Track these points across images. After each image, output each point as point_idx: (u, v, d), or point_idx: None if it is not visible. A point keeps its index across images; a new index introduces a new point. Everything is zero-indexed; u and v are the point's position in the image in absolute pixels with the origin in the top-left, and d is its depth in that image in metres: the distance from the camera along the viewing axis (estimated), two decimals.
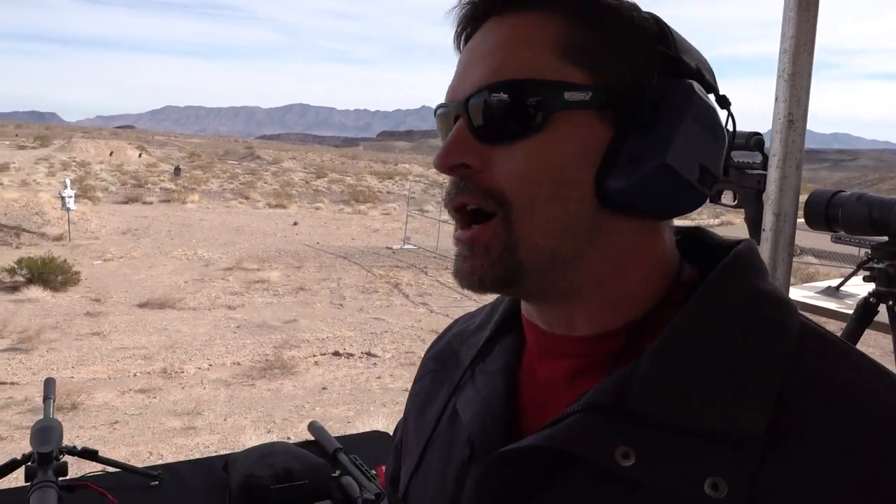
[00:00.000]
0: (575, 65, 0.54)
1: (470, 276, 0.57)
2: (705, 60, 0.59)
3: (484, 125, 0.56)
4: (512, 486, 0.56)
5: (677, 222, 0.63)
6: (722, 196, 1.49)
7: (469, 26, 0.60)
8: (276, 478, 1.40)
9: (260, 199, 25.72)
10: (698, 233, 0.64)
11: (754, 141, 1.38)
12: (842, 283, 2.57)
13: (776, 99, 1.18)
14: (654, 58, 0.56)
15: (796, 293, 2.47)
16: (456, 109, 0.58)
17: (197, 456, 5.11)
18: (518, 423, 0.61)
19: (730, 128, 0.60)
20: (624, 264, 0.57)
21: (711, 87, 0.58)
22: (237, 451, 1.59)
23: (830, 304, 2.41)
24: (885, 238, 1.48)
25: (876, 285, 1.50)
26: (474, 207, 0.57)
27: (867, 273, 1.52)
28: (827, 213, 1.44)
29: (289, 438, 5.50)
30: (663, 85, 0.55)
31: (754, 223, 1.41)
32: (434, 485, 0.66)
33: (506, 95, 0.55)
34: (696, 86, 0.56)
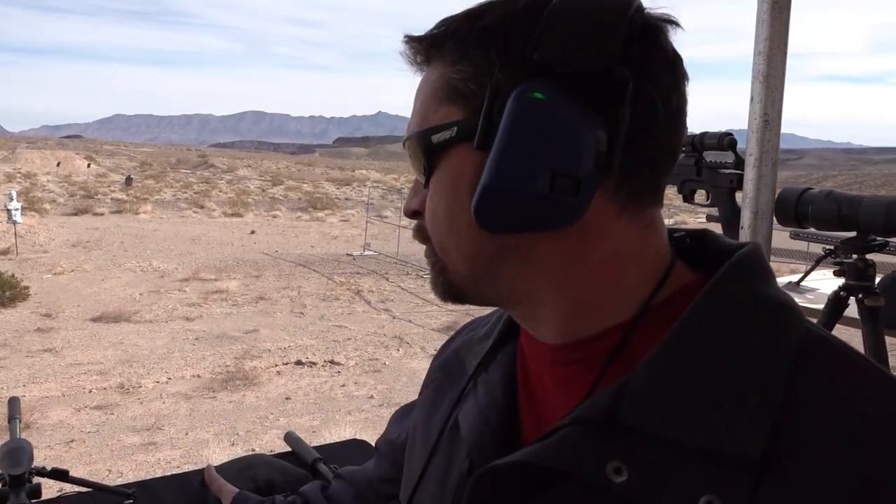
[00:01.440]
0: (452, 103, 0.56)
1: (434, 287, 0.61)
2: (598, 32, 0.50)
3: (416, 171, 0.60)
4: (502, 501, 0.55)
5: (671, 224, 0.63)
6: (695, 195, 1.52)
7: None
8: (257, 490, 1.36)
9: (215, 207, 25.29)
10: (704, 235, 0.62)
11: (727, 141, 1.41)
12: (802, 278, 2.65)
13: (751, 99, 1.21)
14: (502, 68, 0.53)
15: None
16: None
17: (159, 472, 4.99)
18: (517, 435, 0.61)
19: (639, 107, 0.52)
20: (563, 274, 0.55)
21: (597, 69, 0.50)
22: (214, 464, 1.55)
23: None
24: (849, 234, 1.53)
25: (845, 279, 1.55)
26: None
27: (837, 268, 1.57)
28: (797, 210, 1.48)
29: (253, 450, 5.41)
30: (501, 97, 0.52)
31: (728, 221, 1.44)
32: (433, 498, 0.65)
33: (409, 147, 0.60)
34: (531, 86, 0.51)
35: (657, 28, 0.53)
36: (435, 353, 0.82)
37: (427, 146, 0.57)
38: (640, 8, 0.53)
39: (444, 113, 0.56)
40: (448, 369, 0.73)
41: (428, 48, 0.59)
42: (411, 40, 0.60)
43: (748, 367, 0.49)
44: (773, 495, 0.46)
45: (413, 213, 0.62)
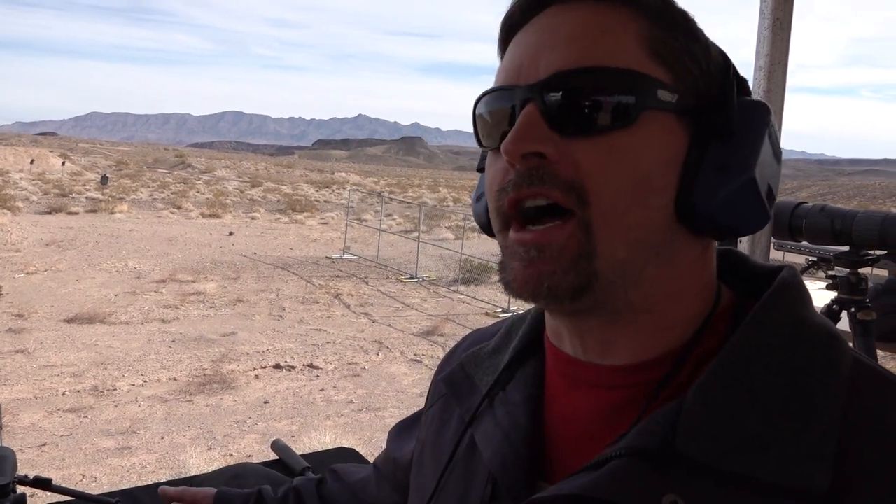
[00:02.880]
0: (660, 64, 0.51)
1: (538, 283, 0.51)
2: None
3: (564, 114, 0.50)
4: None
5: None
6: None
7: (526, 12, 0.55)
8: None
9: (193, 208, 25.02)
10: (733, 255, 0.62)
11: None
12: None
13: None
14: (727, 73, 0.54)
15: None
16: (526, 94, 0.52)
17: (134, 477, 4.91)
18: (544, 462, 0.58)
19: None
20: (680, 286, 0.54)
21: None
22: (202, 473, 1.52)
23: None
24: (841, 248, 1.55)
25: (838, 293, 1.57)
26: (546, 203, 0.51)
27: (830, 281, 1.59)
28: (791, 223, 1.49)
29: (231, 455, 5.35)
30: (740, 101, 0.54)
31: None
32: None
33: (594, 83, 0.50)
34: (768, 107, 0.56)
35: None
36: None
37: (645, 98, 0.50)
38: None
39: (657, 72, 0.51)
40: (454, 385, 0.68)
41: None
42: None
43: (805, 396, 0.48)
44: None
45: (527, 156, 0.51)
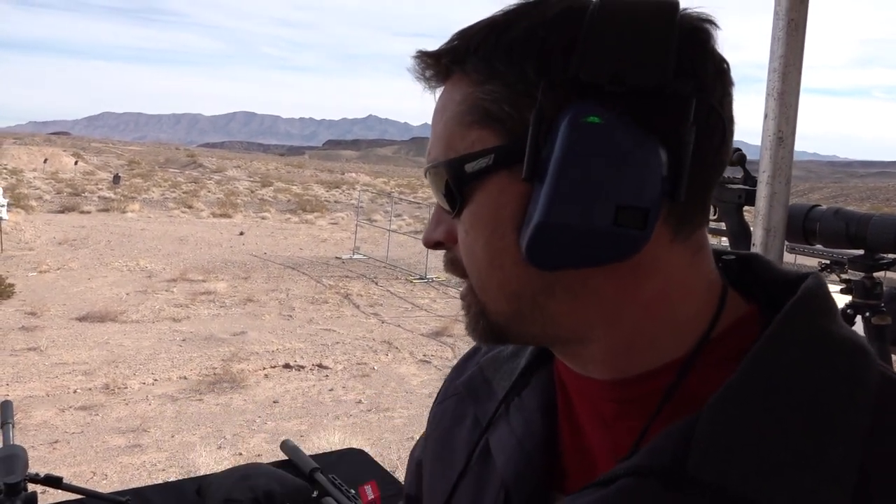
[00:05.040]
0: (482, 127, 0.50)
1: (469, 332, 0.57)
2: (647, 49, 0.46)
3: (441, 201, 0.55)
4: None
5: None
6: None
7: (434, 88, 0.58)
8: (256, 501, 1.34)
9: (204, 208, 25.13)
10: (754, 260, 0.59)
11: (736, 156, 1.41)
12: None
13: (765, 116, 1.20)
14: (545, 88, 0.48)
15: None
16: None
17: (145, 475, 4.93)
18: (557, 472, 0.57)
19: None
20: (615, 308, 0.51)
21: (651, 88, 0.46)
22: (212, 473, 1.53)
23: None
24: (856, 252, 1.53)
25: (852, 297, 1.55)
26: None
27: (844, 286, 1.57)
28: (805, 226, 1.48)
29: (240, 454, 5.36)
30: (548, 122, 0.47)
31: (735, 236, 1.44)
32: None
33: (433, 177, 0.54)
34: (583, 110, 0.46)
35: (705, 31, 0.49)
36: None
37: (458, 176, 0.51)
38: (682, 10, 0.48)
39: (475, 138, 0.51)
40: (473, 388, 0.67)
41: (448, 65, 0.53)
42: (425, 56, 0.54)
43: (827, 415, 0.46)
44: None
45: (435, 245, 0.57)
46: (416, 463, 0.77)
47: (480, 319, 0.55)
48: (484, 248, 0.52)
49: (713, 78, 0.49)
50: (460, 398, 0.70)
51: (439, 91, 0.56)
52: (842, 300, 1.61)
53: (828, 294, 0.53)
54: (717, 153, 0.50)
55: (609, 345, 0.52)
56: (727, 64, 0.51)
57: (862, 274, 1.52)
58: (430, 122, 0.57)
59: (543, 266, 0.49)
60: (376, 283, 12.73)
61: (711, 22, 0.49)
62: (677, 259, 0.51)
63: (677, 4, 0.47)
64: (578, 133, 0.46)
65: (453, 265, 0.56)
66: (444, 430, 0.70)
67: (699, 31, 0.49)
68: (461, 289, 0.57)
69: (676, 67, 0.46)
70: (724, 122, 0.50)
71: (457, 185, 0.52)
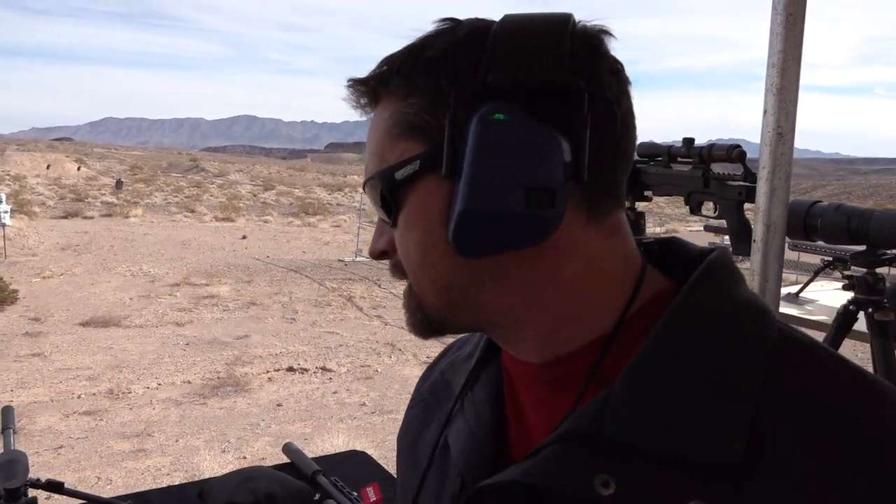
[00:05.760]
0: (408, 138, 0.56)
1: (410, 328, 0.62)
2: (541, 54, 0.52)
3: (379, 212, 0.61)
4: None
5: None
6: (702, 207, 1.51)
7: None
8: None
9: (206, 212, 25.18)
10: (672, 242, 0.64)
11: (736, 153, 1.40)
12: (801, 290, 2.64)
13: (765, 112, 1.20)
14: (456, 95, 0.53)
15: None
16: None
17: (149, 479, 4.93)
18: (507, 456, 0.61)
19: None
20: (540, 292, 0.56)
21: (546, 86, 0.52)
22: (214, 476, 1.53)
23: (791, 311, 2.47)
24: (858, 248, 1.53)
25: (855, 293, 1.55)
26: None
27: (846, 281, 1.56)
28: (806, 222, 1.47)
29: (244, 457, 5.36)
30: (460, 123, 0.53)
31: (736, 234, 1.43)
32: None
33: (371, 189, 0.59)
34: (491, 108, 0.52)
35: (597, 38, 0.56)
36: (428, 360, 0.82)
37: (391, 184, 0.57)
38: (577, 22, 0.55)
39: (402, 149, 0.57)
40: (435, 390, 0.73)
41: (375, 88, 0.59)
42: (356, 83, 0.60)
43: (724, 372, 0.50)
44: (756, 497, 0.47)
45: (380, 255, 0.62)
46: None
47: (419, 314, 0.60)
48: (417, 246, 0.57)
49: (608, 76, 0.55)
50: (426, 403, 0.74)
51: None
52: (844, 296, 1.60)
53: (731, 263, 0.58)
54: (619, 143, 0.56)
55: (538, 327, 0.57)
56: (621, 65, 0.57)
57: (864, 270, 1.51)
58: None
59: (469, 254, 0.54)
60: (379, 286, 12.73)
61: (605, 31, 0.56)
62: (593, 241, 0.56)
63: (569, 17, 0.55)
64: (486, 129, 0.52)
65: (396, 269, 0.61)
66: (412, 435, 0.74)
67: (592, 37, 0.55)
68: (405, 289, 0.62)
69: (571, 69, 0.52)
70: (621, 114, 0.55)
71: (390, 192, 0.57)
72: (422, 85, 0.56)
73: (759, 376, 0.50)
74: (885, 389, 0.51)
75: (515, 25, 0.54)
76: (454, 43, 0.55)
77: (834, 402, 0.49)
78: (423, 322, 0.60)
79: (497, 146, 0.52)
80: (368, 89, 0.60)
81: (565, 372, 0.57)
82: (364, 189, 0.61)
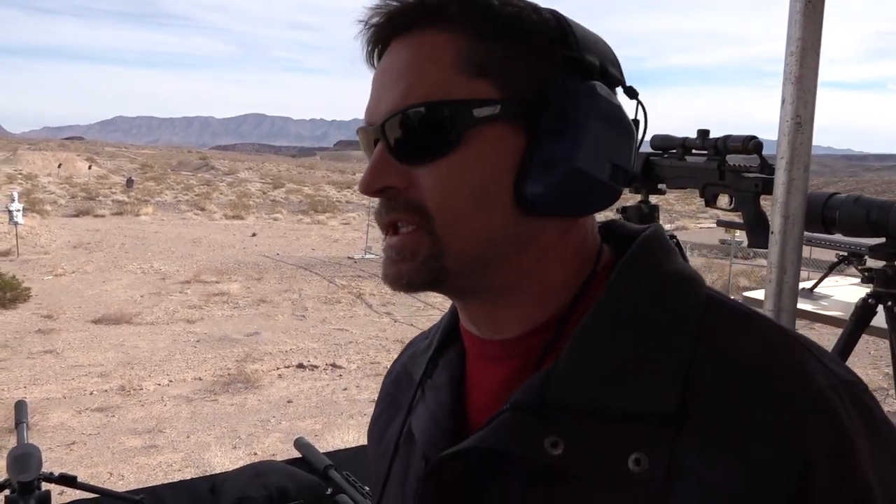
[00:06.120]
0: (480, 78, 0.56)
1: (398, 278, 0.59)
2: (609, 52, 0.61)
3: (402, 148, 0.58)
4: (454, 490, 0.58)
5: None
6: (718, 200, 1.49)
7: (377, 47, 0.62)
8: (269, 499, 1.33)
9: (216, 210, 25.28)
10: (613, 223, 0.67)
11: (752, 145, 1.38)
12: (815, 285, 2.62)
13: (783, 101, 1.18)
14: (555, 62, 0.57)
15: (761, 294, 2.51)
16: (374, 134, 0.59)
17: (160, 475, 4.95)
18: (468, 434, 0.61)
19: (640, 118, 0.63)
20: (546, 263, 0.59)
21: (617, 80, 0.61)
22: (223, 472, 1.52)
23: (806, 306, 2.45)
24: (878, 240, 1.50)
25: (874, 286, 1.52)
26: (403, 223, 0.59)
27: (865, 274, 1.54)
28: (824, 214, 1.45)
29: (255, 454, 5.38)
30: (567, 88, 0.57)
31: (752, 226, 1.41)
32: (396, 502, 0.68)
33: (418, 118, 0.56)
34: (600, 85, 0.57)
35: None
36: None
37: (465, 119, 0.55)
38: None
39: (474, 88, 0.56)
40: (399, 383, 0.75)
41: (433, 14, 0.58)
42: (410, 5, 0.58)
43: (657, 334, 0.55)
44: (688, 448, 0.50)
45: (381, 190, 0.59)
46: None
47: (431, 262, 0.57)
48: (474, 191, 0.56)
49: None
50: (392, 398, 0.76)
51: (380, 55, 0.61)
52: (859, 292, 1.57)
53: (663, 238, 0.62)
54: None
55: (528, 297, 0.60)
56: None
57: (883, 262, 1.49)
58: None
59: (537, 212, 0.57)
60: None
61: None
62: (589, 222, 0.62)
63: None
64: (597, 101, 0.56)
65: (398, 209, 0.58)
66: (380, 429, 0.76)
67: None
68: (391, 239, 0.59)
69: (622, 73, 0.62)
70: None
71: (457, 126, 0.56)
72: (510, 34, 0.57)
73: (690, 335, 0.54)
74: (807, 344, 0.55)
75: (574, 23, 0.60)
76: (537, 10, 0.59)
77: (760, 356, 0.53)
78: (431, 272, 0.58)
79: (606, 118, 0.57)
80: (418, 12, 0.58)
81: (531, 346, 0.60)
82: (405, 115, 0.57)
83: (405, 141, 0.57)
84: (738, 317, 0.57)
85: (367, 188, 0.59)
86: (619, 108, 0.58)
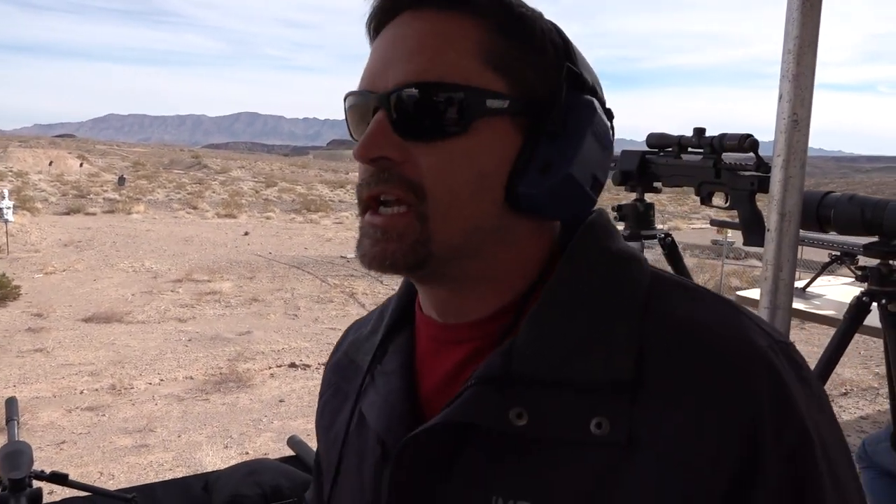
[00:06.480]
0: (495, 72, 0.58)
1: (381, 259, 0.60)
2: (596, 75, 0.66)
3: (407, 122, 0.58)
4: (424, 469, 0.60)
5: None
6: (713, 198, 1.49)
7: (384, 15, 0.62)
8: (263, 497, 1.33)
9: (209, 208, 25.17)
10: None
11: (748, 143, 1.38)
12: (808, 284, 2.63)
13: (780, 98, 1.18)
14: (562, 72, 0.60)
15: (755, 293, 2.51)
16: (377, 101, 0.59)
17: (152, 474, 4.93)
18: (422, 416, 0.64)
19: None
20: (518, 255, 0.62)
21: (602, 100, 0.64)
22: (217, 469, 1.51)
23: (799, 305, 2.45)
24: (870, 239, 1.50)
25: (868, 284, 1.53)
26: (391, 199, 0.59)
27: (859, 272, 1.54)
28: (819, 213, 1.45)
29: (247, 453, 5.35)
30: (570, 99, 0.60)
31: (748, 224, 1.41)
32: (353, 491, 0.68)
33: (432, 96, 0.57)
34: (596, 102, 0.62)
35: None
36: None
37: (476, 107, 0.57)
38: None
39: (490, 79, 0.58)
40: (342, 371, 0.76)
41: None
42: None
43: (609, 307, 0.58)
44: (646, 412, 0.54)
45: (377, 159, 0.59)
46: (316, 465, 0.86)
47: (416, 247, 0.59)
48: (472, 179, 0.58)
49: None
50: (335, 387, 0.77)
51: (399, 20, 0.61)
52: (852, 291, 1.58)
53: (607, 221, 0.66)
54: None
55: (497, 284, 0.63)
56: None
57: (878, 261, 1.49)
58: None
59: (524, 209, 0.59)
60: (381, 282, 12.70)
61: None
62: (552, 222, 0.66)
63: None
64: (596, 115, 0.61)
65: (400, 184, 0.58)
66: (327, 418, 0.77)
67: None
68: (374, 217, 0.60)
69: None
70: None
71: (468, 113, 0.57)
72: (527, 37, 0.59)
73: (639, 306, 0.58)
74: (744, 311, 0.60)
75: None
76: (549, 23, 0.62)
77: (705, 323, 0.57)
78: (417, 256, 0.59)
79: (599, 132, 0.61)
80: None
81: (491, 329, 0.62)
82: (405, 90, 0.57)
83: (412, 115, 0.57)
84: (682, 289, 0.61)
85: (364, 155, 0.59)
86: (608, 127, 0.63)
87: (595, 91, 0.63)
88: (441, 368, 0.65)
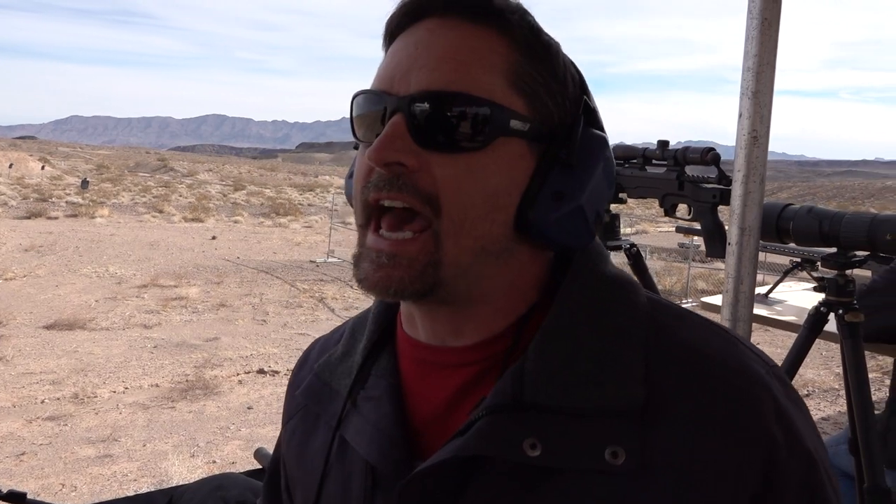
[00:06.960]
0: (519, 93, 0.58)
1: (386, 285, 0.57)
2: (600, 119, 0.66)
3: (426, 129, 0.56)
4: (432, 501, 0.58)
5: None
6: (677, 209, 1.52)
7: (408, 17, 0.61)
8: None
9: (175, 212, 24.80)
10: None
11: (710, 156, 1.41)
12: (769, 291, 2.68)
13: (740, 116, 1.20)
14: (580, 105, 0.61)
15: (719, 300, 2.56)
16: (396, 104, 0.57)
17: (115, 486, 4.83)
18: (417, 443, 0.62)
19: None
20: (518, 278, 0.62)
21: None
22: (182, 484, 1.49)
23: (761, 311, 2.50)
24: (829, 250, 1.54)
25: (826, 295, 1.56)
26: (402, 206, 0.57)
27: (817, 283, 1.58)
28: (778, 225, 1.49)
29: (214, 462, 5.28)
30: (586, 133, 0.61)
31: (710, 236, 1.44)
32: None
33: (457, 109, 0.56)
34: (607, 139, 0.63)
35: None
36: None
37: (500, 125, 0.57)
38: None
39: (513, 101, 0.58)
40: (314, 395, 0.72)
41: (493, 14, 0.58)
42: None
43: (615, 333, 0.58)
44: (657, 437, 0.54)
45: (393, 165, 0.56)
46: (269, 480, 0.83)
47: (427, 272, 0.57)
48: (485, 197, 0.57)
49: None
50: (305, 410, 0.73)
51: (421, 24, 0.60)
52: (813, 297, 1.62)
53: (601, 247, 0.66)
54: None
55: (495, 308, 0.62)
56: None
57: (835, 272, 1.53)
58: None
59: (531, 233, 0.59)
60: (351, 287, 12.64)
61: None
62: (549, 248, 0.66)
63: None
64: (606, 153, 0.62)
65: (414, 194, 0.56)
66: (298, 444, 0.73)
67: None
68: (403, 237, 0.57)
69: None
70: None
71: (492, 129, 0.56)
72: (552, 66, 0.60)
73: (644, 334, 0.58)
74: (736, 336, 0.61)
75: None
76: (566, 57, 0.63)
77: (707, 351, 0.57)
78: (425, 283, 0.57)
79: (608, 169, 0.62)
80: (483, 2, 0.59)
81: (491, 353, 0.61)
82: (429, 98, 0.56)
83: (432, 123, 0.56)
84: (676, 315, 0.62)
85: (380, 159, 0.56)
86: (614, 165, 0.64)
87: (601, 127, 0.63)
88: (435, 394, 0.63)
